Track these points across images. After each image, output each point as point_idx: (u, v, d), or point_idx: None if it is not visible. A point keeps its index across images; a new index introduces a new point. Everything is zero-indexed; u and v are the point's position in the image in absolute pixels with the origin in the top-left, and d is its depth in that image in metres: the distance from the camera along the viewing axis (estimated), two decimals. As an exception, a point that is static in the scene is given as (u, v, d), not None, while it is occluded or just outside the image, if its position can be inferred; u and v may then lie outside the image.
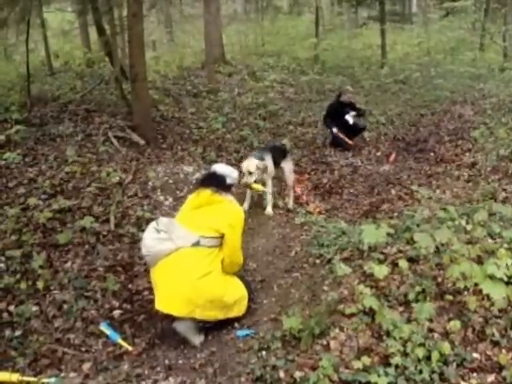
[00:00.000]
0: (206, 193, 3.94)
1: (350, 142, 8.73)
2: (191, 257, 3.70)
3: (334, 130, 8.68)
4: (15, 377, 3.24)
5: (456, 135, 8.54)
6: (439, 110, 10.28)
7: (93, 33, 12.67)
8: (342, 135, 8.65)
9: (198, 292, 3.65)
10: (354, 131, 8.91)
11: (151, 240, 3.76)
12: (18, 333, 3.76)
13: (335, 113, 8.88)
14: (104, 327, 3.86)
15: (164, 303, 3.68)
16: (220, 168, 4.28)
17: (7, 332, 3.75)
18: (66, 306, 4.08)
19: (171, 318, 3.95)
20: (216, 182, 4.02)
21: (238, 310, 3.91)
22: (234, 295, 3.87)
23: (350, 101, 9.17)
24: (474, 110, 9.94)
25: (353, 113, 8.90)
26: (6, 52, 12.91)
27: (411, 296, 3.31)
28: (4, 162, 6.07)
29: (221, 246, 3.86)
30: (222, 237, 3.84)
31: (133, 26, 7.38)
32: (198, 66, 13.95)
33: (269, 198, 5.95)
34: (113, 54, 9.47)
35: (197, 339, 3.78)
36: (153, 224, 3.89)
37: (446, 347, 2.83)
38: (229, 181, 4.13)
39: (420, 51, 16.55)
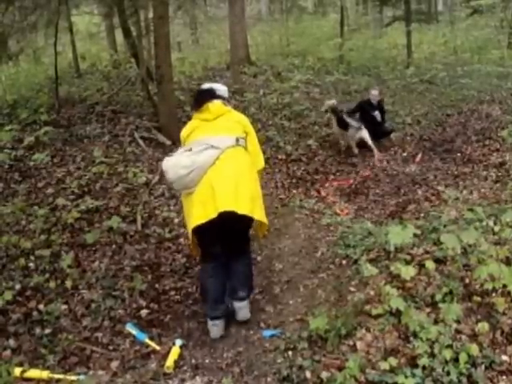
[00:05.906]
0: (216, 104, 3.85)
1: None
2: (239, 155, 3.70)
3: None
4: (45, 374, 3.30)
5: (483, 135, 8.42)
6: (466, 110, 10.14)
7: (119, 35, 12.82)
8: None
9: (255, 188, 3.66)
10: (381, 131, 8.87)
11: (188, 157, 3.62)
12: (47, 331, 3.81)
13: (363, 110, 8.87)
14: (130, 328, 3.88)
15: (229, 203, 3.47)
16: (205, 85, 4.15)
17: (37, 330, 3.80)
18: (93, 305, 4.12)
19: (197, 319, 4.00)
20: (213, 95, 3.91)
21: (262, 231, 4.05)
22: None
23: (379, 101, 9.11)
24: (502, 109, 9.78)
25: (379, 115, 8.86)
26: (35, 55, 13.11)
27: (438, 297, 3.28)
28: (33, 162, 6.21)
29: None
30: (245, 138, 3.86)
31: (159, 27, 7.46)
32: (223, 67, 14.01)
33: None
34: (139, 55, 9.58)
35: (245, 312, 3.87)
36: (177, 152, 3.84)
37: (474, 349, 2.80)
38: (218, 92, 3.98)
39: (446, 50, 16.36)
